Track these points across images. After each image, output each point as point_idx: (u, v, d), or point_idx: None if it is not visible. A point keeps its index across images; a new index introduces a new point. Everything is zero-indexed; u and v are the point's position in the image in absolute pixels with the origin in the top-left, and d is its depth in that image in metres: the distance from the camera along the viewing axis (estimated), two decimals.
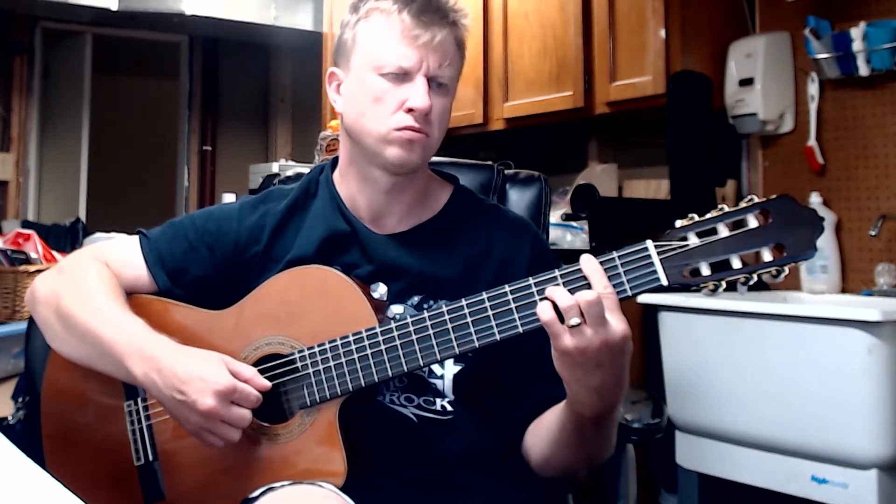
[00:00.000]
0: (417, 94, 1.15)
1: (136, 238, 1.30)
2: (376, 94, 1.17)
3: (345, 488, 1.09)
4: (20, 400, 1.90)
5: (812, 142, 2.52)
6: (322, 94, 4.34)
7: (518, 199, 1.56)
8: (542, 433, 1.16)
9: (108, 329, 1.15)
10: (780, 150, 2.65)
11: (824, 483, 1.91)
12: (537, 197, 1.56)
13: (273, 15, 4.67)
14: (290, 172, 1.66)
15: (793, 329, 1.94)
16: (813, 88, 2.52)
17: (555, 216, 2.88)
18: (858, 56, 2.33)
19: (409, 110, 1.15)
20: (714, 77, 2.61)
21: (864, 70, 2.34)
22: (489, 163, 1.60)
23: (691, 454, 2.21)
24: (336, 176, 1.29)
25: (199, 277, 1.26)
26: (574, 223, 2.95)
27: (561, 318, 0.98)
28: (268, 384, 1.12)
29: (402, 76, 1.16)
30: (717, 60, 2.65)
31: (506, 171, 1.59)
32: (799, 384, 1.93)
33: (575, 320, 0.97)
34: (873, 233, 2.30)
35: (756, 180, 2.73)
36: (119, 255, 1.28)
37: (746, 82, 2.56)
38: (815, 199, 2.48)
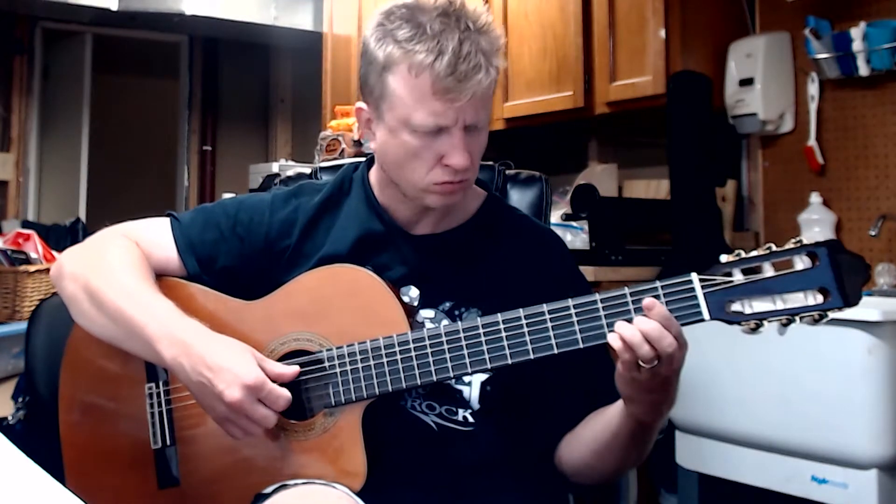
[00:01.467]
0: (456, 150, 1.11)
1: (166, 220, 1.28)
2: (411, 151, 1.13)
3: (361, 490, 1.08)
4: (20, 400, 1.90)
5: (812, 142, 2.52)
6: (322, 94, 4.34)
7: (519, 200, 1.56)
8: (588, 441, 1.15)
9: (139, 311, 1.13)
10: (780, 150, 2.65)
11: (824, 483, 1.91)
12: (538, 197, 1.56)
13: (273, 15, 4.67)
14: (290, 172, 1.66)
15: (793, 329, 1.94)
16: (813, 88, 2.52)
17: (555, 216, 2.88)
18: (858, 56, 2.33)
19: (447, 165, 1.12)
20: (714, 77, 2.61)
21: (864, 70, 2.34)
22: (489, 163, 1.59)
23: (691, 454, 2.21)
24: (372, 177, 1.27)
25: (228, 267, 1.25)
26: (574, 223, 2.95)
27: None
28: (296, 370, 1.11)
29: (438, 131, 1.11)
30: (717, 60, 2.65)
31: (506, 172, 1.59)
32: (799, 384, 1.93)
33: (654, 363, 0.98)
34: (873, 233, 2.30)
35: (756, 180, 2.73)
36: (150, 235, 1.26)
37: (746, 82, 2.56)
38: (815, 199, 2.48)
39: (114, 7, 4.34)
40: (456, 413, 1.16)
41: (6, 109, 4.62)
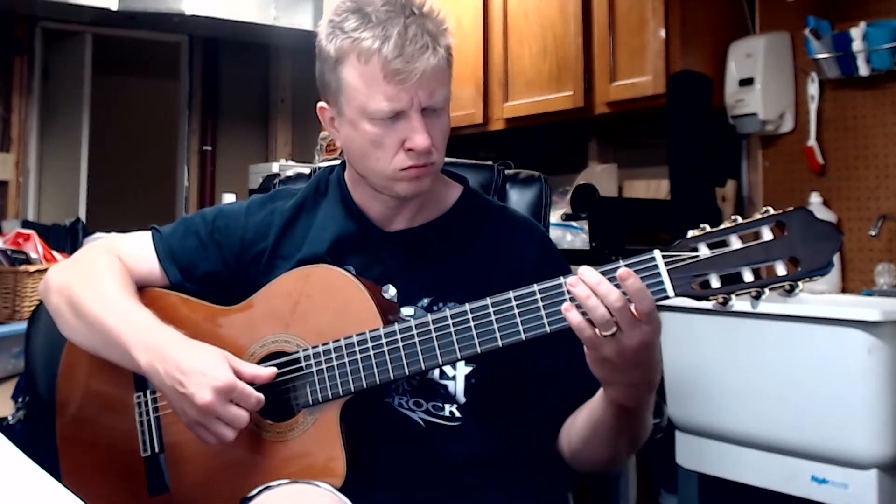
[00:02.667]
0: (415, 133, 1.12)
1: (148, 233, 1.31)
2: (373, 140, 1.14)
3: (347, 488, 1.09)
4: (20, 400, 1.90)
5: (812, 142, 2.52)
6: None
7: (518, 200, 1.56)
8: (578, 429, 1.15)
9: (116, 318, 1.16)
10: (780, 150, 2.65)
11: (824, 483, 1.91)
12: (537, 197, 1.56)
13: (273, 15, 4.67)
14: (290, 172, 1.66)
15: (793, 329, 1.94)
16: (813, 88, 2.52)
17: (555, 216, 2.88)
18: (858, 56, 2.33)
19: (410, 149, 1.13)
20: (714, 77, 2.61)
21: (864, 70, 2.34)
22: (489, 163, 1.60)
23: (691, 454, 2.21)
24: (347, 177, 1.28)
25: (210, 273, 1.27)
26: (574, 223, 2.95)
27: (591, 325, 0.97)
28: (273, 371, 1.12)
29: (396, 115, 1.13)
30: (717, 60, 2.65)
31: (506, 172, 1.59)
32: (799, 384, 1.93)
33: (612, 330, 0.95)
34: (873, 233, 2.30)
35: (756, 180, 2.73)
36: (132, 248, 1.29)
37: (746, 82, 2.56)
38: (815, 199, 2.48)
39: (114, 7, 4.33)
40: (442, 409, 1.17)
41: (6, 109, 4.61)
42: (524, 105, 3.15)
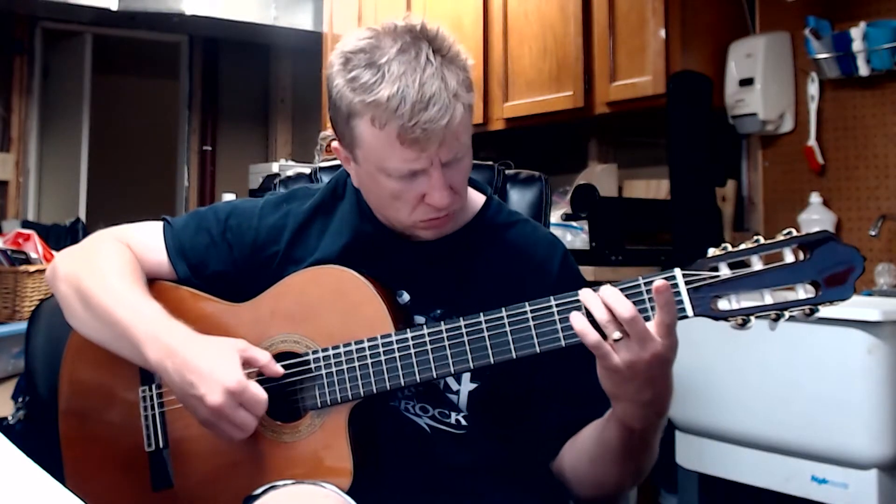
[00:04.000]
0: (434, 190, 1.08)
1: (159, 224, 1.29)
2: (392, 194, 1.10)
3: (352, 489, 1.09)
4: (20, 400, 1.90)
5: (812, 142, 2.52)
6: (322, 94, 4.35)
7: (518, 200, 1.56)
8: (583, 450, 1.13)
9: (126, 313, 1.14)
10: (780, 150, 2.65)
11: (824, 483, 1.91)
12: (538, 197, 1.56)
13: (273, 15, 4.68)
14: (290, 172, 1.65)
15: (793, 329, 1.93)
16: (813, 88, 2.52)
17: (555, 216, 2.88)
18: (858, 56, 2.34)
19: (429, 204, 1.10)
20: (714, 77, 2.61)
21: (864, 70, 2.35)
22: (489, 163, 1.59)
23: (691, 454, 2.21)
24: None
25: (219, 272, 1.25)
26: (574, 223, 2.95)
27: (603, 336, 0.95)
28: (281, 370, 1.12)
29: (415, 173, 1.08)
30: (717, 60, 2.66)
31: (506, 172, 1.59)
32: (799, 384, 1.93)
33: (616, 335, 0.94)
34: (873, 233, 2.30)
35: (756, 180, 2.74)
36: (142, 239, 1.27)
37: (746, 82, 2.56)
38: (815, 199, 2.48)
39: (114, 7, 4.34)
40: (449, 416, 1.16)
41: (6, 109, 4.62)
42: (524, 105, 3.15)
